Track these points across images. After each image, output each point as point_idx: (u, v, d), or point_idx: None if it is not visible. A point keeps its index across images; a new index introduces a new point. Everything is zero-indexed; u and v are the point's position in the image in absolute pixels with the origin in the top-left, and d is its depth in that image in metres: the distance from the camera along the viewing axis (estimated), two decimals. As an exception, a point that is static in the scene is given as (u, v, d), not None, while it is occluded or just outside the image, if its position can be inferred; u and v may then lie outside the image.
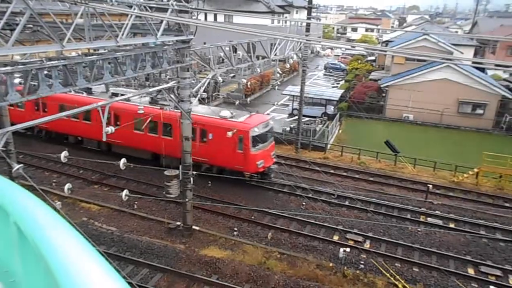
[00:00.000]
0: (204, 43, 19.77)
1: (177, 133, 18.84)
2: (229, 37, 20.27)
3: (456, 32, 68.49)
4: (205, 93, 21.19)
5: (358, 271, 14.06)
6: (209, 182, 19.53)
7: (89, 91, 21.87)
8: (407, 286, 13.40)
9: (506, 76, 38.64)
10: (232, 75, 37.90)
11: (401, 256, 15.14)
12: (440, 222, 17.47)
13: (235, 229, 16.44)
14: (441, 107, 32.88)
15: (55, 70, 9.39)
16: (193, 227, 15.97)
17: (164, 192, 15.52)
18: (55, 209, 2.06)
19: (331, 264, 14.30)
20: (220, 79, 20.54)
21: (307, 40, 20.32)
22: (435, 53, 31.64)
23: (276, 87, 35.65)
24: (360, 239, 16.07)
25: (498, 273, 14.29)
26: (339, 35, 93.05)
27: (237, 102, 25.65)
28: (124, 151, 20.38)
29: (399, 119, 34.46)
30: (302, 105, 26.35)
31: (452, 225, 17.42)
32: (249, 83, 35.99)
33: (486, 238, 16.44)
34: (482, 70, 36.21)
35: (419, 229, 16.85)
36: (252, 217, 17.35)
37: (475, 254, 15.34)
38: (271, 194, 19.45)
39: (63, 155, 12.21)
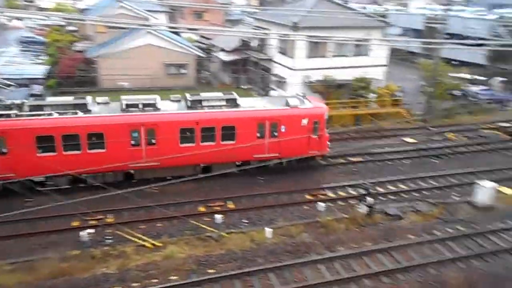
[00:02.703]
0: None
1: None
2: None
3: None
4: None
5: (106, 248, 13.95)
6: None
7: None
8: (154, 242, 14.41)
9: (197, 38, 44.52)
10: None
11: (144, 217, 15.99)
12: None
13: None
14: (151, 71, 34.92)
15: None
16: None
17: None
18: None
19: (75, 252, 13.53)
20: None
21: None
22: (133, 20, 32.53)
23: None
24: (101, 216, 15.79)
25: (221, 203, 17.38)
26: (26, 3, 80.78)
27: None
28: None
29: (115, 88, 34.39)
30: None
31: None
32: None
33: (206, 182, 18.81)
34: (177, 34, 40.30)
35: (155, 188, 17.86)
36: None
37: (203, 195, 17.86)
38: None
39: None
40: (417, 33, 52.37)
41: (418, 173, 20.52)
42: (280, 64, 31.87)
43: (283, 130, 18.84)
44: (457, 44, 32.77)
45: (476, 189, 17.64)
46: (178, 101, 19.17)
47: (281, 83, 31.78)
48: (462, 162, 22.19)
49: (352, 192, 18.56)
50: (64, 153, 16.83)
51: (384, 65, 31.53)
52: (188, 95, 19.07)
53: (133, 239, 14.46)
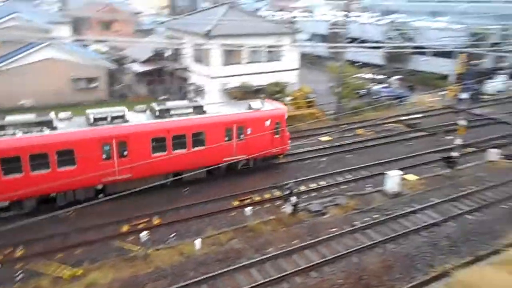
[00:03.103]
0: None
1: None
2: None
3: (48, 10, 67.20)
4: None
5: (16, 285, 12.55)
6: None
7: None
8: (75, 270, 13.33)
9: (106, 49, 42.42)
10: None
11: (60, 245, 14.73)
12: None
13: None
14: (57, 87, 32.38)
15: None
16: None
17: None
18: None
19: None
20: None
21: None
22: (30, 33, 29.99)
23: None
24: (8, 249, 14.20)
25: (146, 219, 16.68)
26: None
27: None
28: None
29: (16, 107, 31.21)
30: None
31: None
32: None
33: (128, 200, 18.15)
34: (85, 46, 38.02)
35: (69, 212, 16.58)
36: None
37: (126, 214, 16.90)
38: None
39: None
40: (323, 38, 55.92)
41: (335, 169, 21.85)
42: (197, 73, 31.72)
43: (249, 132, 19.88)
44: (358, 47, 35.70)
45: (385, 178, 19.32)
46: (144, 111, 19.16)
47: (199, 91, 31.63)
48: (372, 155, 24.11)
49: (277, 193, 19.12)
50: (32, 173, 15.96)
51: (296, 69, 33.11)
52: (155, 105, 19.05)
53: (48, 271, 13.21)
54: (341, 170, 21.76)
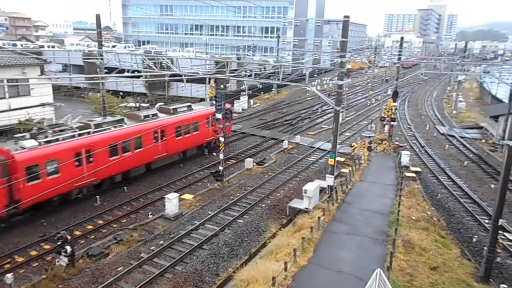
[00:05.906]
0: None
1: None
2: None
3: None
4: None
5: None
6: None
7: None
8: None
9: None
10: None
11: None
12: None
13: None
14: None
15: None
16: None
17: None
18: None
19: None
20: None
21: None
22: None
23: None
24: None
25: None
26: None
27: None
28: None
29: None
30: None
31: None
32: None
33: None
34: None
35: None
36: None
37: None
38: None
39: None
40: (79, 68, 52.53)
41: (113, 204, 20.71)
42: None
43: (199, 124, 27.64)
44: (118, 77, 35.27)
45: (166, 202, 19.71)
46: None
47: None
48: (149, 182, 24.16)
49: (47, 246, 16.51)
50: None
51: (51, 103, 29.77)
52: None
53: None
54: (119, 204, 20.82)
